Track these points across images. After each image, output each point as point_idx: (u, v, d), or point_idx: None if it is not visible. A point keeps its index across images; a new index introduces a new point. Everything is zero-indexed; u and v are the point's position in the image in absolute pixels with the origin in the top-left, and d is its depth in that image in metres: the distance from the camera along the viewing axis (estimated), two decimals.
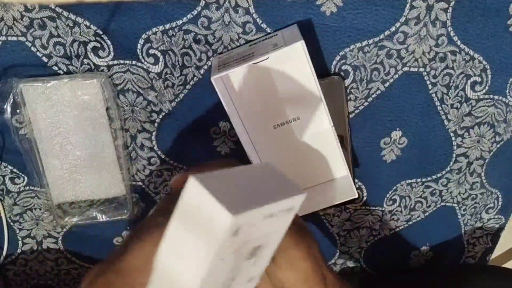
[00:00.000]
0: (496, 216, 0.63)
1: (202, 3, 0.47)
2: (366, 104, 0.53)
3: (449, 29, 0.49)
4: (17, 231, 0.58)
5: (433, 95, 0.53)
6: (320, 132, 0.51)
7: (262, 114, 0.50)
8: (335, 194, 0.53)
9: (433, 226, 0.63)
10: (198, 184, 0.26)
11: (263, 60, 0.46)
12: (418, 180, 0.59)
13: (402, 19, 0.48)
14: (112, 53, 0.49)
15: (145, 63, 0.50)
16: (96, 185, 0.55)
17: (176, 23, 0.48)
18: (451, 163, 0.58)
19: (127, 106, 0.52)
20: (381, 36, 0.49)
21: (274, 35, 0.47)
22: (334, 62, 0.51)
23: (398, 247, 0.64)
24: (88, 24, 0.47)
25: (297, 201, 0.31)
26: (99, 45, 0.48)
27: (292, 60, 0.47)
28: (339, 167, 0.53)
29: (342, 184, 0.53)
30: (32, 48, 0.48)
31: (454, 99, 0.54)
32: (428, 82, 0.53)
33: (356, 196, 0.53)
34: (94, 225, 0.59)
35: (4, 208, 0.57)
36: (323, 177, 0.54)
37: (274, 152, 0.52)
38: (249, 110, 0.50)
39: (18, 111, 0.50)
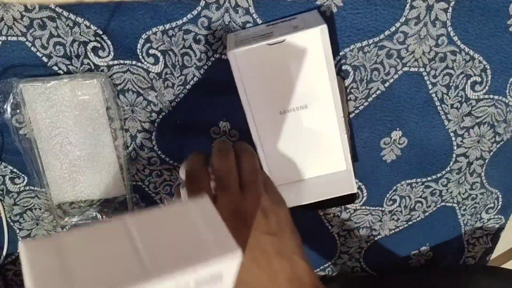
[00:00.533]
0: (496, 216, 0.63)
1: (202, 3, 0.47)
2: (366, 104, 0.53)
3: (449, 29, 0.49)
4: (17, 231, 0.58)
5: (433, 95, 0.53)
6: (326, 124, 0.50)
7: (270, 98, 0.49)
8: (334, 188, 0.53)
9: (433, 226, 0.63)
10: (24, 252, 0.21)
11: (281, 41, 0.45)
12: (418, 180, 0.59)
13: (402, 19, 0.48)
14: (112, 53, 0.49)
15: (145, 63, 0.50)
16: (96, 185, 0.55)
17: (176, 23, 0.48)
18: (451, 163, 0.58)
19: (127, 106, 0.52)
20: (381, 36, 0.49)
21: (294, 18, 0.47)
22: (334, 62, 0.51)
23: (398, 247, 0.64)
24: (88, 24, 0.47)
25: (222, 265, 0.22)
26: (99, 45, 0.48)
27: (309, 44, 0.46)
28: (341, 162, 0.53)
29: (342, 179, 0.53)
30: (32, 48, 0.48)
31: (454, 99, 0.54)
32: (428, 82, 0.53)
33: (355, 191, 0.52)
34: None
35: (4, 208, 0.57)
36: (323, 169, 0.54)
37: (276, 138, 0.52)
38: (257, 92, 0.49)
39: (18, 111, 0.50)
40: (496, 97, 0.54)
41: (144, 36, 0.48)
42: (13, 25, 0.47)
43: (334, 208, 0.60)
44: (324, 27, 0.43)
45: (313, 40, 0.46)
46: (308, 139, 0.52)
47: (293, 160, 0.53)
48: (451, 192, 0.60)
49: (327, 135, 0.51)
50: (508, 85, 0.53)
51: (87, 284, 0.20)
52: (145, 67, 0.50)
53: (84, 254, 0.21)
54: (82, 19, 0.47)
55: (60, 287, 0.20)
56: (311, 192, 0.53)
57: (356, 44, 0.50)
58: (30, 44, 0.48)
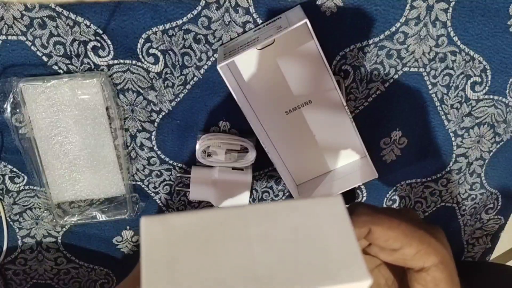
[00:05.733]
0: (496, 217, 0.63)
1: (202, 3, 0.47)
2: (366, 104, 0.53)
3: (449, 29, 0.49)
4: (17, 230, 0.58)
5: (433, 95, 0.53)
6: (334, 115, 0.50)
7: (273, 101, 0.50)
8: (355, 176, 0.53)
9: None
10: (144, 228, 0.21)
11: (269, 44, 0.45)
12: (418, 180, 0.59)
13: (402, 19, 0.48)
14: (112, 53, 0.49)
15: (145, 62, 0.50)
16: (96, 184, 0.55)
17: (176, 23, 0.48)
18: (451, 163, 0.58)
19: (127, 105, 0.52)
20: (381, 36, 0.49)
21: (278, 18, 0.47)
22: (334, 62, 0.51)
23: None
24: (88, 23, 0.47)
25: None
26: (99, 44, 0.48)
27: (298, 41, 0.46)
28: (356, 149, 0.53)
29: (362, 166, 0.53)
30: (32, 48, 0.48)
31: (454, 99, 0.54)
32: (428, 82, 0.53)
33: (377, 176, 0.52)
34: (93, 225, 0.58)
35: (3, 208, 0.57)
36: (342, 160, 0.54)
37: (288, 138, 0.52)
38: (259, 97, 0.49)
39: (18, 110, 0.50)
40: (496, 97, 0.54)
41: (144, 35, 0.48)
42: (13, 24, 0.47)
43: None
44: (305, 22, 0.43)
45: (299, 36, 0.46)
46: (319, 132, 0.52)
47: (311, 156, 0.53)
48: (451, 193, 0.60)
49: (338, 125, 0.51)
50: (508, 85, 0.53)
51: (190, 281, 0.19)
52: (145, 66, 0.50)
53: (197, 245, 0.20)
54: (82, 19, 0.47)
55: (165, 279, 0.19)
56: (337, 183, 0.53)
57: (356, 44, 0.50)
58: (30, 44, 0.48)
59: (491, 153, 0.58)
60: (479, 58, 0.51)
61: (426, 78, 0.52)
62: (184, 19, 0.47)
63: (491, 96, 0.54)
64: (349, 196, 0.58)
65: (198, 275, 0.19)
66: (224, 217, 0.21)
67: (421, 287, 0.32)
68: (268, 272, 0.19)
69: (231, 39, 0.49)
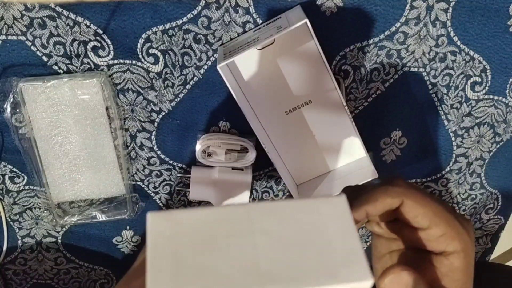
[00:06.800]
0: (496, 217, 0.63)
1: (202, 3, 0.47)
2: (366, 104, 0.53)
3: (449, 29, 0.49)
4: (17, 230, 0.58)
5: (433, 95, 0.53)
6: (334, 114, 0.50)
7: (273, 101, 0.50)
8: (355, 176, 0.53)
9: None
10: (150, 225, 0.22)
11: (269, 44, 0.45)
12: (418, 180, 0.59)
13: (402, 19, 0.48)
14: (112, 53, 0.49)
15: (145, 62, 0.50)
16: (96, 184, 0.55)
17: (176, 23, 0.48)
18: (451, 163, 0.58)
19: (127, 105, 0.52)
20: (381, 36, 0.49)
21: (278, 18, 0.47)
22: (334, 62, 0.51)
23: None
24: (88, 23, 0.47)
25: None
26: (99, 44, 0.48)
27: (298, 41, 0.46)
28: (356, 149, 0.53)
29: (362, 166, 0.53)
30: (32, 48, 0.48)
31: (454, 99, 0.54)
32: (428, 82, 0.53)
33: (377, 176, 0.52)
34: (93, 225, 0.58)
35: (3, 207, 0.57)
36: (341, 160, 0.54)
37: (288, 138, 0.52)
38: (259, 97, 0.49)
39: (18, 110, 0.50)
40: (496, 97, 0.54)
41: (144, 35, 0.48)
42: (13, 24, 0.47)
43: None
44: (305, 22, 0.43)
45: (299, 36, 0.46)
46: (319, 132, 0.52)
47: (311, 156, 0.53)
48: (451, 193, 0.60)
49: (338, 125, 0.51)
50: (508, 85, 0.53)
51: (195, 275, 0.20)
52: (145, 66, 0.50)
53: (201, 240, 0.21)
54: (82, 19, 0.47)
55: (170, 274, 0.20)
56: (337, 184, 0.53)
57: (356, 44, 0.50)
58: (30, 43, 0.48)
59: (491, 153, 0.58)
60: (479, 58, 0.51)
61: (426, 78, 0.52)
62: (184, 19, 0.47)
63: (491, 96, 0.54)
64: None
65: (202, 270, 0.20)
66: (229, 214, 0.22)
67: (436, 270, 0.31)
68: (270, 269, 0.20)
69: (231, 39, 0.49)
